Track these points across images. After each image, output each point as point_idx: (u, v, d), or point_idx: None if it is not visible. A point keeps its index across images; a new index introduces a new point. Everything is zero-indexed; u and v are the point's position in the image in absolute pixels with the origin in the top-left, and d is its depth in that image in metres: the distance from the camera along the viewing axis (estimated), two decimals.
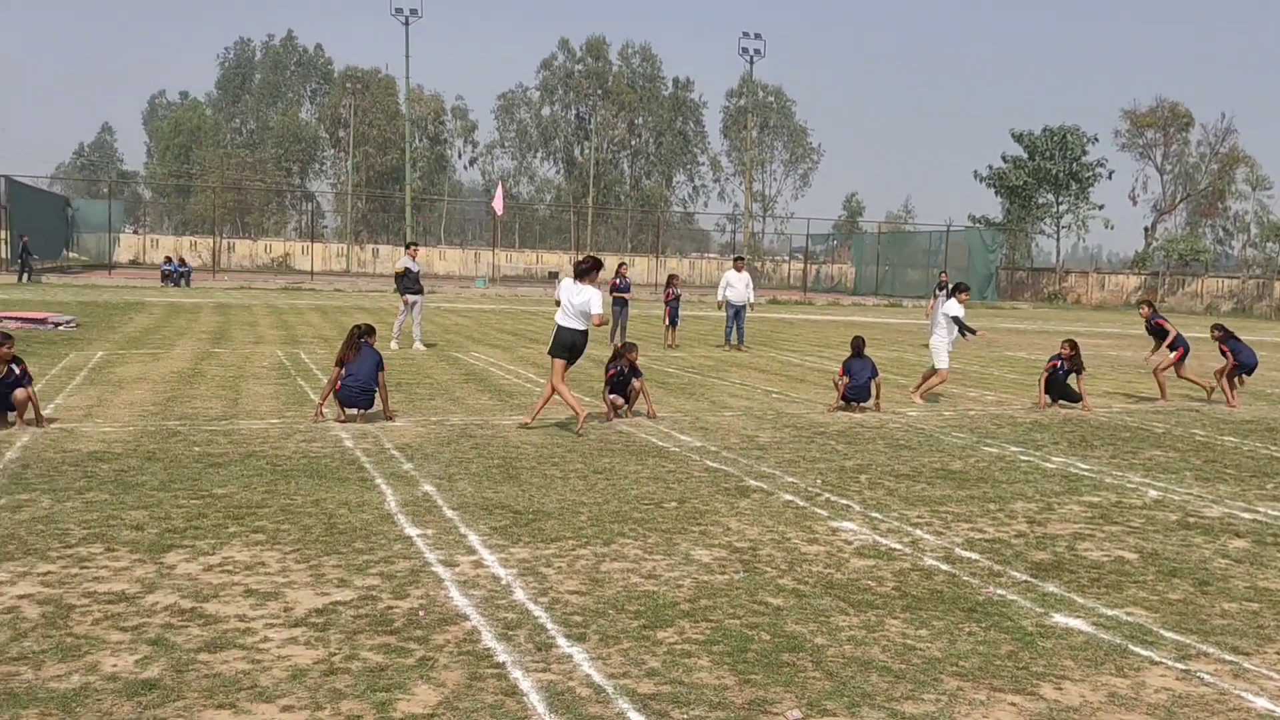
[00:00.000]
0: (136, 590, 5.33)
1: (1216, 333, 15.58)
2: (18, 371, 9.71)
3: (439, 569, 5.86)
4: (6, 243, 44.85)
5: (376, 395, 10.87)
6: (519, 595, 5.46)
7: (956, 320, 14.20)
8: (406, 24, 54.99)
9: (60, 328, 20.14)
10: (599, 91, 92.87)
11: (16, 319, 20.02)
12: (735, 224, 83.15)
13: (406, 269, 18.87)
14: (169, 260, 44.14)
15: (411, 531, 6.63)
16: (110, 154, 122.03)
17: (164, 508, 7.00)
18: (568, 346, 10.78)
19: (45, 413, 10.30)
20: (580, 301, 10.65)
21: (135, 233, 76.44)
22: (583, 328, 10.75)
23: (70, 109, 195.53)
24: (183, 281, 41.66)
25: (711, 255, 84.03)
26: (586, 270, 10.77)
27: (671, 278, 22.54)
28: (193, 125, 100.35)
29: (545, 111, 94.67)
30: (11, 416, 9.76)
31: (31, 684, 4.14)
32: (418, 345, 18.81)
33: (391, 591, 5.45)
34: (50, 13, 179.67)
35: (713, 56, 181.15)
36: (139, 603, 5.15)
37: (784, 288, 67.23)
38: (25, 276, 38.96)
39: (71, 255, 59.09)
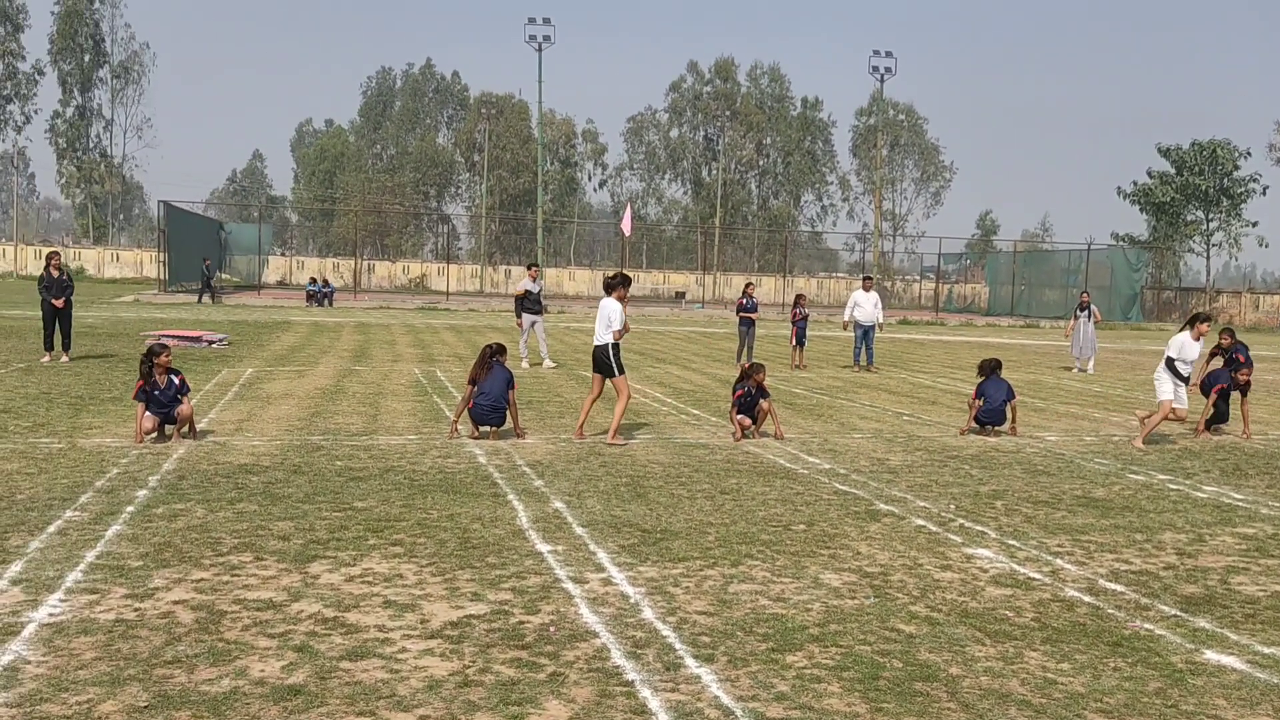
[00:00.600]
0: (283, 599, 5.56)
1: None
2: (177, 383, 10.25)
3: (569, 585, 5.94)
4: (165, 264, 47.42)
5: (508, 413, 11.10)
6: (647, 614, 5.48)
7: (1170, 364, 12.17)
8: (540, 50, 56.24)
9: (214, 345, 21.20)
10: (727, 112, 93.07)
11: (174, 336, 21.16)
12: (864, 243, 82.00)
13: (527, 290, 19.25)
14: (313, 281, 46.04)
15: (542, 548, 6.74)
16: (260, 179, 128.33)
17: (308, 519, 7.29)
18: (594, 360, 11.19)
19: (200, 426, 10.86)
20: (602, 316, 11.06)
21: (283, 255, 79.98)
22: (602, 342, 11.02)
23: (225, 137, 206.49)
24: (326, 301, 43.35)
25: (840, 275, 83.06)
26: (613, 286, 11.15)
27: (799, 297, 22.37)
28: (337, 151, 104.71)
29: (674, 133, 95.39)
30: (169, 429, 10.31)
31: (185, 687, 4.36)
32: (547, 363, 19.14)
33: (523, 607, 5.55)
34: (208, 44, 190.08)
35: (842, 75, 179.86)
36: (285, 610, 5.37)
37: (915, 308, 65.91)
38: (208, 297, 40.65)
39: (225, 276, 62.24)
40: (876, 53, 58.74)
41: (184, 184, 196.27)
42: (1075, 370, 22.84)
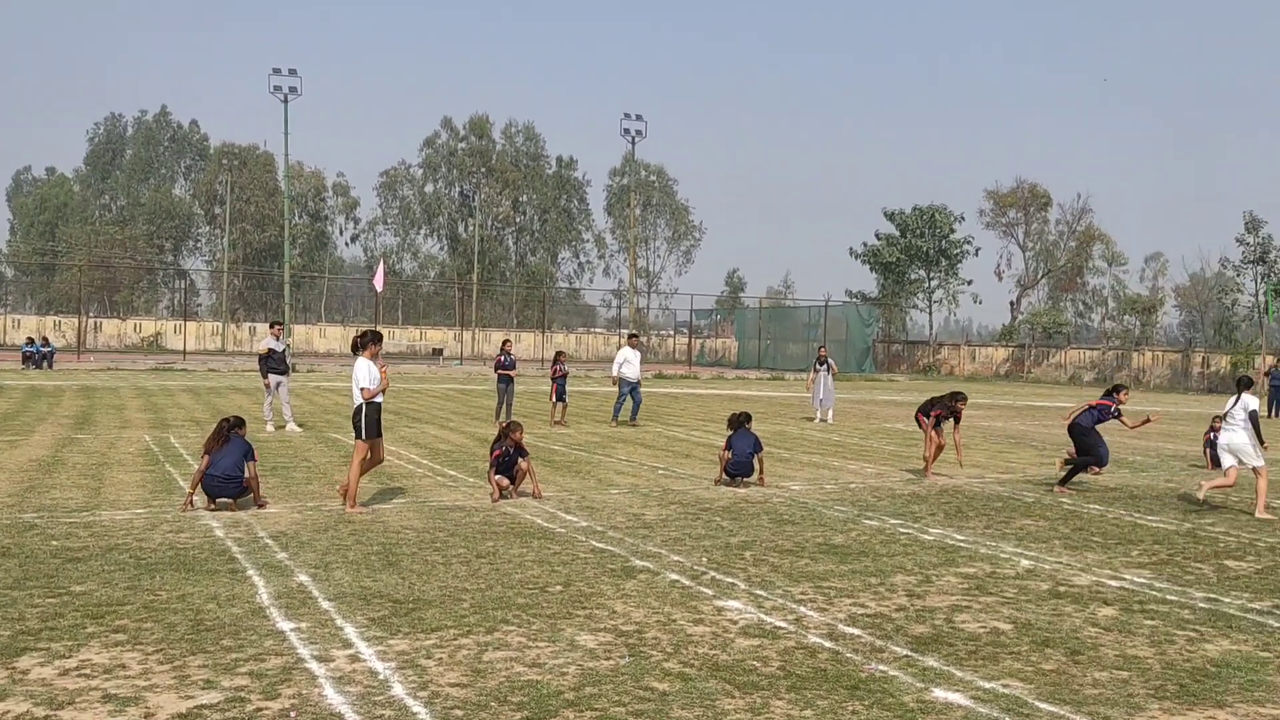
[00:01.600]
0: None
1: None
2: None
3: (313, 665, 5.63)
4: None
5: (245, 484, 10.50)
6: (397, 690, 5.27)
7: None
8: (285, 101, 54.48)
9: None
10: (483, 169, 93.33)
11: None
12: (621, 299, 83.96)
13: (270, 349, 18.37)
14: (31, 341, 42.22)
15: (284, 626, 6.36)
16: None
17: (17, 607, 6.58)
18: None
19: None
20: (354, 377, 10.68)
21: None
22: (357, 402, 10.60)
23: None
24: (45, 363, 39.81)
25: (598, 330, 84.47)
26: (363, 344, 10.65)
27: (559, 354, 22.54)
28: (59, 201, 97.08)
29: (429, 189, 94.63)
30: None
31: None
32: (290, 426, 18.28)
33: (261, 692, 5.20)
34: None
35: (595, 136, 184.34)
36: None
37: (669, 362, 67.86)
38: None
39: None
40: (628, 115, 60.62)
41: None
42: (816, 420, 24.12)
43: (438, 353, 64.27)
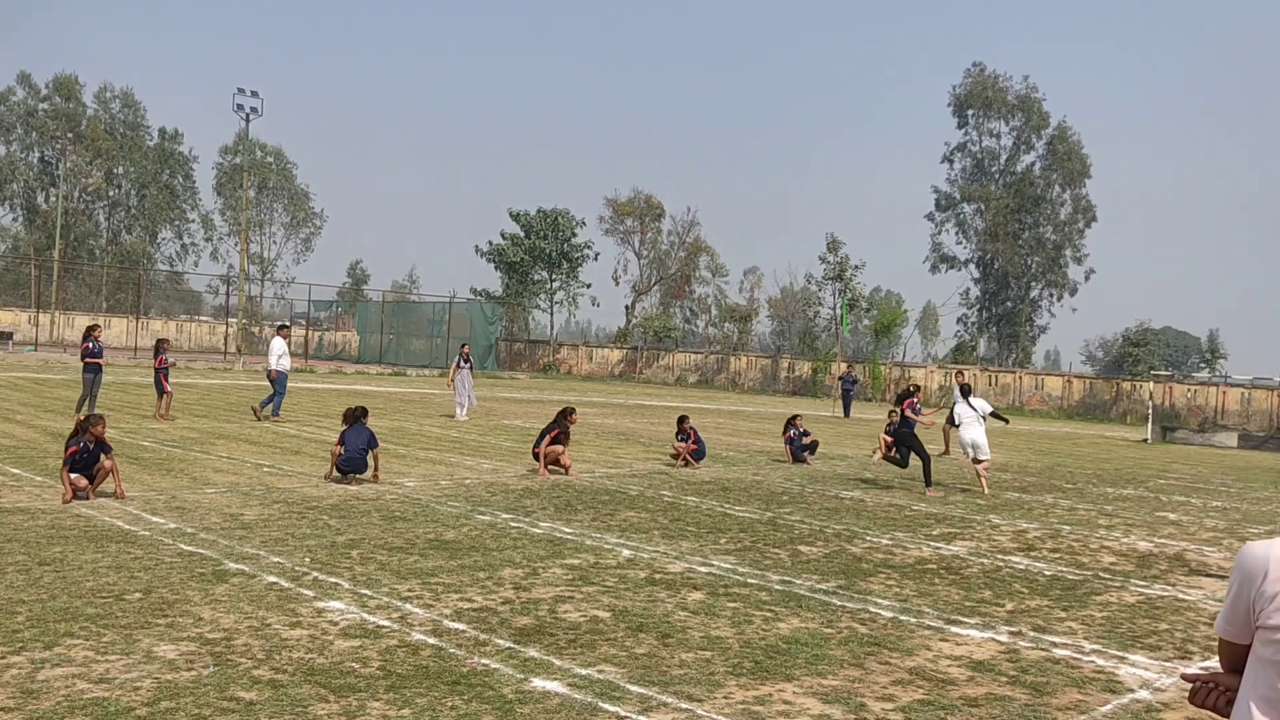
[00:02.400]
0: None
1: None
2: None
3: None
4: None
5: None
6: None
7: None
8: None
9: None
10: (69, 134, 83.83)
11: None
12: (230, 286, 78.79)
13: None
14: None
15: None
16: None
17: None
18: None
19: None
20: None
21: None
22: None
23: None
24: None
25: (204, 318, 78.67)
26: None
27: (162, 343, 20.68)
28: None
29: (0, 151, 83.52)
30: None
31: None
32: None
33: None
34: None
35: (205, 109, 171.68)
36: None
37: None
38: None
39: None
40: (242, 90, 56.91)
41: None
42: (459, 417, 23.98)
43: (6, 337, 56.90)
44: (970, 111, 74.72)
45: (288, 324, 26.18)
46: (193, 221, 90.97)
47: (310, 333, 63.75)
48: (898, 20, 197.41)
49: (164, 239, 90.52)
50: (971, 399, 16.05)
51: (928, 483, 15.11)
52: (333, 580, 7.65)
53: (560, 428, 14.89)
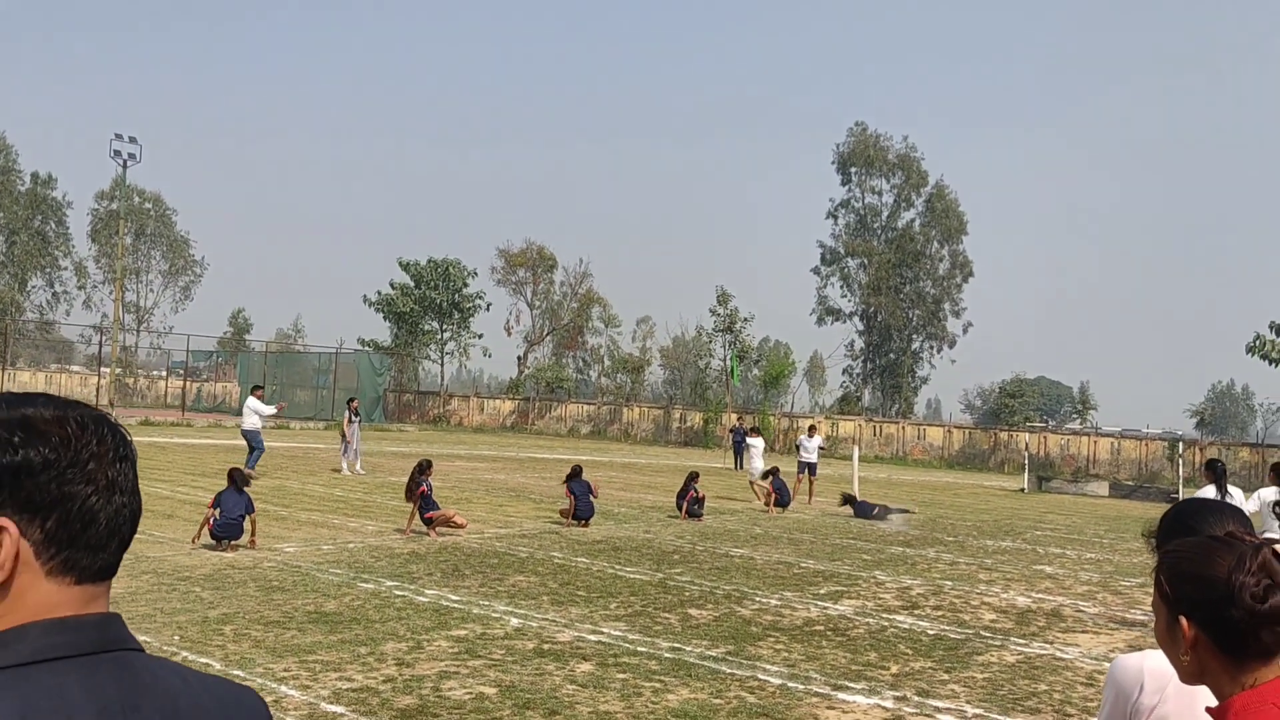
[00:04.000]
0: None
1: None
2: None
3: None
4: None
5: None
6: None
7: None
8: None
9: None
10: None
11: None
12: (104, 336, 75.86)
13: None
14: None
15: None
16: None
17: None
18: None
19: None
20: None
21: None
22: None
23: None
24: None
25: (75, 369, 75.44)
26: None
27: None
28: None
29: None
30: None
31: None
32: None
33: None
34: None
35: (80, 154, 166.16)
36: None
37: (159, 407, 62.31)
38: None
39: None
40: (119, 136, 55.24)
41: None
42: (345, 472, 23.67)
43: None
44: (853, 169, 77.01)
45: (261, 385, 26.36)
46: (65, 269, 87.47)
47: (188, 384, 61.67)
48: (786, 77, 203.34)
49: (34, 286, 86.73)
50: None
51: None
52: (203, 661, 7.29)
53: (425, 484, 14.62)
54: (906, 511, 21.54)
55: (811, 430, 25.08)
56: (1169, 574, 1.84)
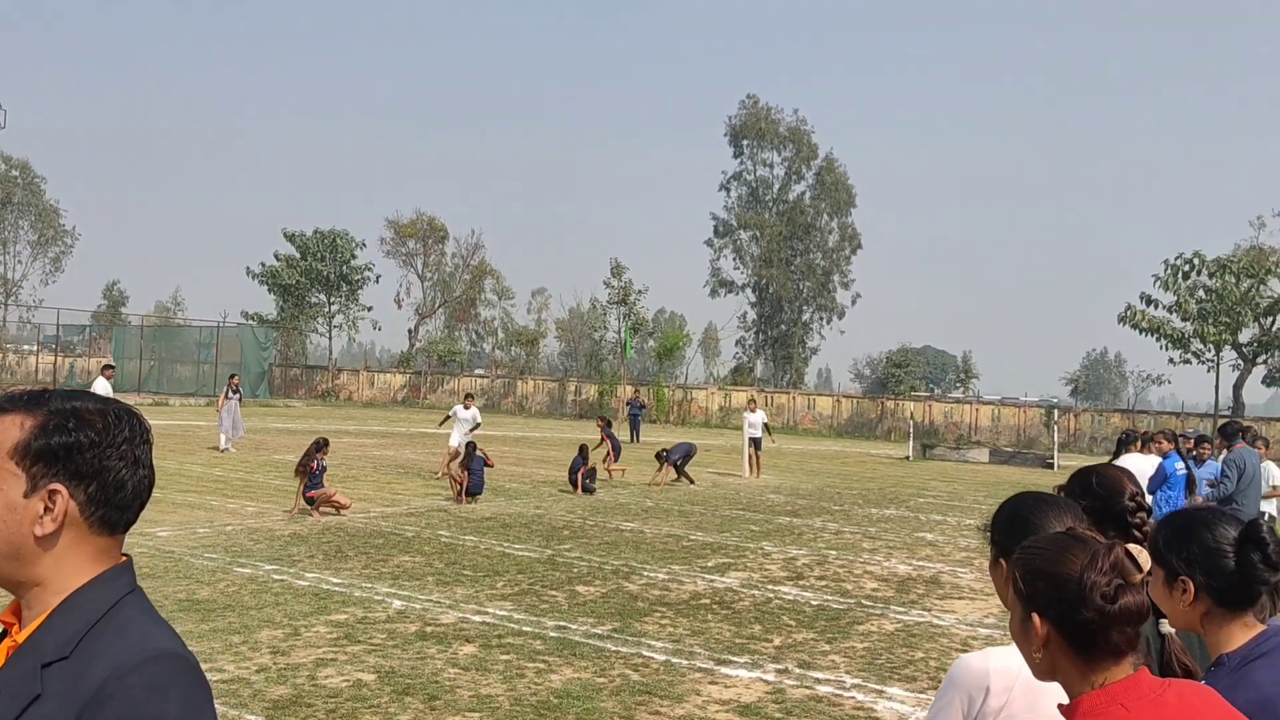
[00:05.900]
0: None
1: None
2: None
3: None
4: None
5: None
6: None
7: None
8: None
9: None
10: None
11: None
12: None
13: None
14: None
15: None
16: None
17: None
18: None
19: None
20: None
21: None
22: None
23: None
24: None
25: None
26: None
27: None
28: None
29: None
30: None
31: None
32: None
33: None
34: None
35: None
36: None
37: (30, 384, 59.49)
38: None
39: None
40: None
41: None
42: (222, 449, 23.04)
43: None
44: (745, 142, 77.57)
45: (112, 364, 24.81)
46: None
47: (60, 359, 59.05)
48: (680, 50, 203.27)
49: None
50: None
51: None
52: None
53: (316, 463, 14.31)
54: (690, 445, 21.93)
55: (752, 405, 25.44)
56: (1023, 570, 1.82)
